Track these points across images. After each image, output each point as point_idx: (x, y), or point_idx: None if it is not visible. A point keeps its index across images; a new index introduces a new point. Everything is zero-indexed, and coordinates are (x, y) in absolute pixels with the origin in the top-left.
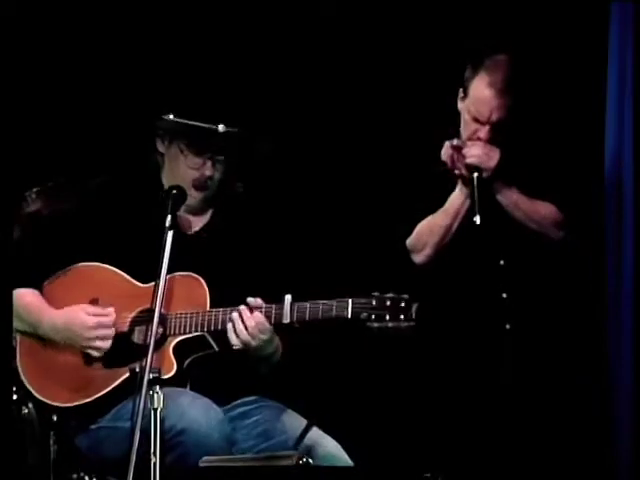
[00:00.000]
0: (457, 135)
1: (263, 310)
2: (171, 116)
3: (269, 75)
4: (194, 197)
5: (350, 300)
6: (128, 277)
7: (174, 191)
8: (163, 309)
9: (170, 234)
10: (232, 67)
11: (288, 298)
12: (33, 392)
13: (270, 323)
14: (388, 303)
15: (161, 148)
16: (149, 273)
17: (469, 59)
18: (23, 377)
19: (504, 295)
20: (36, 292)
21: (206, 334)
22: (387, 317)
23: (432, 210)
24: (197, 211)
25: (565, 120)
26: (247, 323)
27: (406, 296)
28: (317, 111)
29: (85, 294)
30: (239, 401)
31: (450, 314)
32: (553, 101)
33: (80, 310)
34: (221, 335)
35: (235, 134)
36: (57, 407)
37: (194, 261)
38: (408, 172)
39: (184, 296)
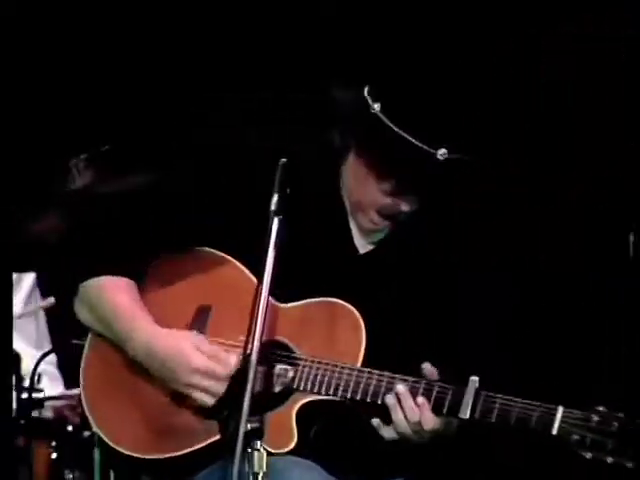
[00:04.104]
0: None
1: (435, 391)
2: (376, 106)
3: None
4: (375, 223)
5: (560, 410)
6: None
7: (283, 160)
8: (294, 344)
9: (276, 221)
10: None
11: (474, 382)
12: (91, 422)
13: (441, 412)
14: (615, 427)
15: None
16: (297, 291)
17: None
18: (84, 398)
19: None
20: (132, 285)
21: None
22: (609, 446)
23: None
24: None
25: None
26: (407, 413)
27: None
28: None
29: (195, 294)
30: None
31: None
32: None
33: (189, 342)
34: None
35: (460, 162)
36: (119, 453)
37: (356, 289)
38: None
39: (330, 333)
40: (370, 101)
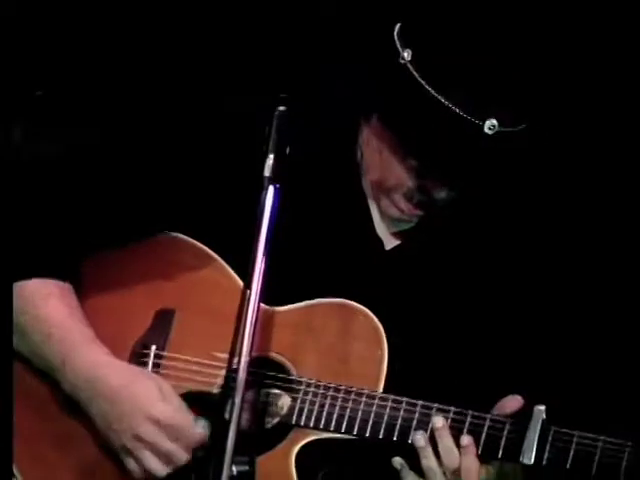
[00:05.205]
0: None
1: (486, 427)
2: (406, 54)
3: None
4: (401, 210)
5: None
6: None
7: (280, 109)
8: (292, 362)
9: (271, 191)
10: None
11: (540, 412)
12: (14, 469)
13: (495, 456)
14: None
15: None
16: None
17: None
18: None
19: None
20: (69, 290)
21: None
22: None
23: None
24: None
25: None
26: (444, 457)
27: None
28: None
29: (153, 295)
30: None
31: None
32: None
33: (153, 383)
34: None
35: (514, 137)
36: None
37: (378, 293)
38: None
39: (341, 347)
40: (399, 46)
